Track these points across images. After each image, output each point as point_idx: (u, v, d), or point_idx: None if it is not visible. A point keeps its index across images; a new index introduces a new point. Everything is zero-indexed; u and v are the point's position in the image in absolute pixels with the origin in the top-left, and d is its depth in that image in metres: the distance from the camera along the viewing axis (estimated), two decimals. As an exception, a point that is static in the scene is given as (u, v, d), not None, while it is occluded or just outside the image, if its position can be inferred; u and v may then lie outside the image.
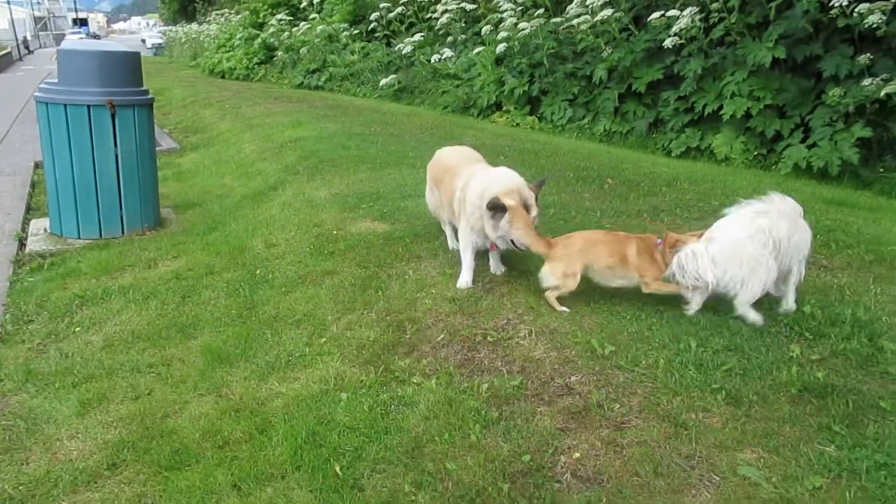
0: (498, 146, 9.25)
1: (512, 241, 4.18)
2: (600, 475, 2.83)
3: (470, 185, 4.43)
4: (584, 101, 12.06)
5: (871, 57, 8.40)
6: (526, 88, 12.75)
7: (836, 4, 8.41)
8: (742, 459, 2.77)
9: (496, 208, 4.10)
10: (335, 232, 5.89)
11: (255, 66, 22.76)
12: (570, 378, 3.46)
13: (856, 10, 8.30)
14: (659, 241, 4.03)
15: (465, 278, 4.56)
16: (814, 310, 3.94)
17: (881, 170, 8.26)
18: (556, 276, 4.08)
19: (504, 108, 13.05)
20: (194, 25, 37.68)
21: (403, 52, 16.47)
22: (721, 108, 9.63)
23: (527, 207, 4.16)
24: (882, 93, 7.94)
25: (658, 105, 10.81)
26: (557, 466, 2.93)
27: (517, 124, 12.48)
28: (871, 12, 8.19)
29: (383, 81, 16.21)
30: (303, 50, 20.15)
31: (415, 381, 3.70)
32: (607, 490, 2.74)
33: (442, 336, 4.07)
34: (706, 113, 9.90)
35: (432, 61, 15.38)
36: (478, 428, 3.21)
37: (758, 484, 2.63)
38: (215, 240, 6.47)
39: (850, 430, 2.92)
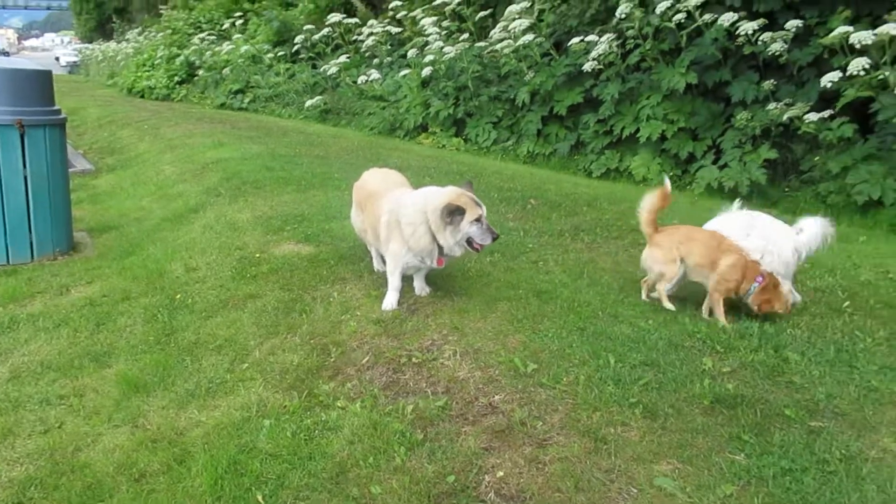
0: (424, 167, 9.32)
1: (469, 243, 4.27)
2: (523, 493, 2.86)
3: (403, 206, 4.44)
4: (508, 124, 12.30)
5: (775, 83, 8.92)
6: (451, 111, 12.91)
7: (742, 33, 8.89)
8: (658, 471, 2.86)
9: (455, 212, 4.18)
10: (258, 255, 5.79)
11: (176, 86, 22.23)
12: (493, 397, 3.50)
13: (760, 38, 8.79)
14: (760, 278, 4.20)
15: (391, 300, 4.57)
16: (725, 323, 4.11)
17: (786, 189, 8.72)
18: (658, 261, 4.46)
19: (430, 130, 13.17)
20: (112, 43, 36.57)
21: (329, 74, 16.44)
22: (638, 130, 9.99)
23: (479, 205, 4.29)
24: (785, 117, 8.41)
25: (579, 128, 11.12)
26: (482, 486, 2.94)
27: (443, 146, 12.61)
28: (774, 41, 8.69)
29: (309, 103, 16.12)
30: (226, 70, 19.84)
31: (339, 404, 3.66)
32: (530, 507, 2.78)
33: (367, 358, 4.05)
34: (624, 136, 10.25)
35: (358, 83, 15.41)
36: (403, 450, 3.20)
37: (673, 494, 2.71)
38: (132, 264, 6.26)
39: (759, 438, 3.05)
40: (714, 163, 9.25)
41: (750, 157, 8.78)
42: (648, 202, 4.50)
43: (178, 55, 22.78)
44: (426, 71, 13.36)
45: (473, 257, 5.16)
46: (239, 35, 21.10)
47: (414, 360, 3.92)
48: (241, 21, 21.99)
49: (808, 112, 8.22)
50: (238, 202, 7.48)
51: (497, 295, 4.66)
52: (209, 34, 22.53)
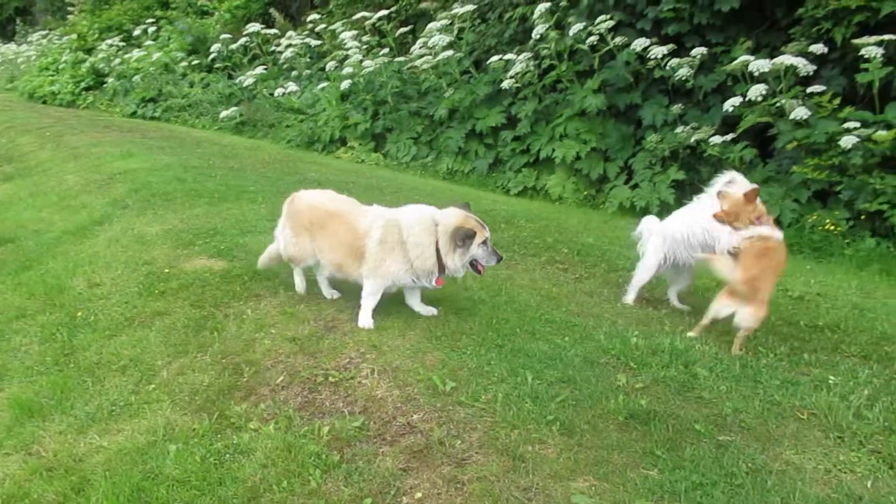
0: (342, 182, 9.20)
1: (473, 265, 4.34)
2: (442, 514, 2.83)
3: (408, 226, 4.34)
4: (427, 140, 12.33)
5: (683, 107, 9.31)
6: (370, 125, 12.84)
7: (652, 57, 9.24)
8: (575, 488, 2.88)
9: (467, 236, 4.23)
10: (167, 270, 5.56)
11: (83, 92, 21.20)
12: (412, 416, 3.46)
13: (669, 63, 9.16)
14: None
15: (368, 319, 4.42)
16: (638, 340, 4.22)
17: (693, 209, 9.07)
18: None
19: (349, 144, 13.05)
20: (12, 46, 34.65)
21: (245, 85, 16.08)
22: (554, 150, 10.20)
23: (484, 228, 4.35)
24: (692, 139, 8.78)
25: (498, 145, 11.27)
26: (399, 508, 2.89)
27: (362, 160, 12.51)
28: (681, 66, 9.08)
29: (224, 113, 15.68)
30: (136, 78, 19.07)
31: (252, 426, 3.54)
32: (448, 528, 2.74)
33: (281, 378, 3.93)
34: (541, 155, 10.44)
35: (276, 95, 15.13)
36: (318, 473, 3.11)
37: (590, 511, 2.74)
38: (29, 279, 5.89)
39: (671, 453, 3.13)
40: (626, 183, 9.54)
41: (659, 178, 9.10)
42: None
43: (85, 60, 21.78)
44: (345, 84, 13.27)
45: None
46: (151, 42, 20.36)
47: (331, 378, 3.84)
48: (153, 28, 21.24)
49: (712, 135, 8.61)
50: (147, 215, 7.18)
51: (415, 312, 4.62)
52: (118, 40, 21.63)
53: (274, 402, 3.72)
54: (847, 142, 7.41)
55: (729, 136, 8.52)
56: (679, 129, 9.02)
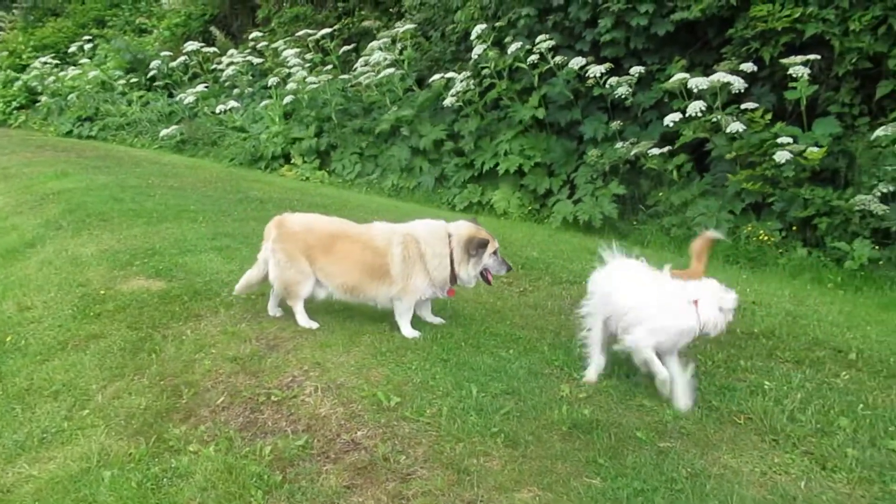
0: (286, 199, 9.12)
1: (483, 274, 4.48)
2: (386, 531, 2.79)
3: (425, 239, 4.42)
4: (372, 156, 12.32)
5: (622, 123, 9.54)
6: (315, 142, 12.77)
7: (592, 75, 9.45)
8: (520, 499, 2.89)
9: (481, 245, 4.37)
10: (103, 292, 5.39)
11: (14, 111, 20.54)
12: (356, 433, 3.42)
13: (608, 81, 9.39)
14: None
15: (410, 331, 4.50)
16: (580, 351, 4.26)
17: (635, 222, 9.28)
18: None
19: (293, 162, 12.94)
20: (-61, 64, 33.36)
21: (186, 103, 15.81)
22: (497, 165, 10.32)
23: (494, 239, 4.50)
24: (631, 154, 8.99)
25: (442, 162, 11.33)
26: (344, 526, 2.85)
27: (307, 178, 12.41)
28: (620, 84, 9.31)
29: (164, 132, 15.37)
30: (72, 96, 18.56)
31: (191, 449, 3.44)
32: (393, 545, 2.71)
33: (222, 398, 3.84)
34: (485, 170, 10.54)
35: (217, 113, 14.91)
36: (260, 494, 3.05)
37: (534, 522, 2.74)
38: (-45, 305, 5.64)
39: (613, 461, 3.16)
40: (569, 197, 9.69)
41: (601, 192, 9.28)
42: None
43: (17, 79, 21.11)
44: (288, 100, 13.19)
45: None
46: (87, 60, 19.85)
47: (273, 398, 3.77)
48: (89, 45, 20.72)
49: (651, 149, 8.84)
50: (82, 235, 6.96)
51: (360, 329, 4.59)
52: (53, 59, 21.03)
53: (214, 424, 3.64)
54: (780, 157, 7.70)
55: (667, 149, 8.76)
56: (619, 145, 9.23)
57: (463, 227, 4.48)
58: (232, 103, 14.73)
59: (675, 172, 8.76)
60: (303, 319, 4.60)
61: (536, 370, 4.02)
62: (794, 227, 7.91)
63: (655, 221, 9.01)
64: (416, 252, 4.40)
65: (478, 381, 3.81)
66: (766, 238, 7.90)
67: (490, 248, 4.41)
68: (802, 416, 3.62)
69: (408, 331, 4.48)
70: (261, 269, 4.68)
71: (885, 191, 7.32)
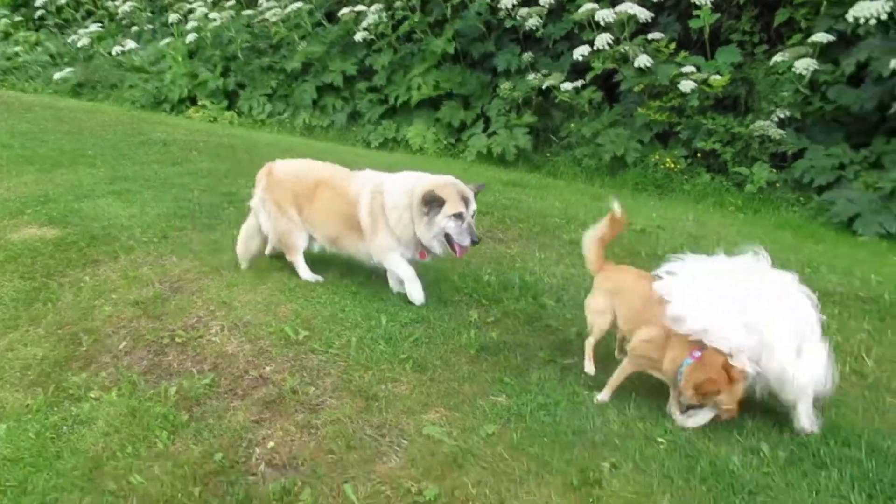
0: (191, 142, 8.76)
1: (447, 238, 3.77)
2: (295, 460, 2.80)
3: (389, 189, 3.90)
4: (282, 95, 11.93)
5: (533, 55, 9.51)
6: (221, 82, 12.25)
7: (503, 7, 9.36)
8: (427, 420, 2.94)
9: (433, 202, 3.70)
10: (-8, 242, 5.09)
11: None
12: (264, 368, 3.39)
13: (518, 13, 9.32)
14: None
15: (417, 292, 3.97)
16: (490, 277, 4.32)
17: (548, 154, 9.38)
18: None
19: (200, 103, 12.40)
20: None
21: (80, 44, 14.83)
22: (411, 99, 10.19)
23: (465, 201, 3.76)
24: (543, 85, 9.01)
25: (355, 98, 11.09)
26: (252, 459, 2.84)
27: (215, 119, 11.94)
28: (531, 16, 9.26)
29: (58, 75, 14.39)
30: (-49, 38, 17.16)
31: (92, 395, 3.33)
32: (302, 473, 2.73)
33: (125, 343, 3.73)
34: (399, 104, 10.40)
35: (114, 54, 14.05)
36: (165, 434, 2.99)
37: (440, 440, 2.80)
38: None
39: (519, 379, 3.25)
40: (484, 131, 9.69)
41: (515, 124, 9.31)
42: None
43: None
44: (191, 37, 12.56)
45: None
46: (-35, -2, 18.31)
47: (178, 339, 3.68)
48: (-33, -19, 19.08)
49: (563, 82, 8.88)
50: (-34, 185, 6.52)
51: (269, 266, 4.50)
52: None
53: (117, 369, 3.53)
54: (685, 86, 7.88)
55: (578, 83, 8.82)
56: (531, 76, 9.23)
57: (429, 180, 3.86)
58: (130, 43, 13.90)
59: (586, 104, 8.85)
60: (304, 272, 4.28)
61: (446, 298, 4.06)
62: (699, 154, 8.16)
63: (568, 153, 9.13)
64: (379, 204, 3.91)
65: (387, 312, 3.82)
66: (672, 165, 8.13)
67: (448, 209, 3.71)
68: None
69: (413, 292, 3.97)
70: (258, 220, 4.36)
71: (782, 116, 7.62)
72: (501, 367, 3.34)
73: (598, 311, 3.29)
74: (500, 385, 3.19)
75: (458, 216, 3.72)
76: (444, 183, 3.80)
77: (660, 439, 2.79)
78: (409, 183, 3.87)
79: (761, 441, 2.80)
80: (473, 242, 3.76)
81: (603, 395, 3.09)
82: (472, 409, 3.00)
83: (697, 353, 2.82)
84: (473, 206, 3.80)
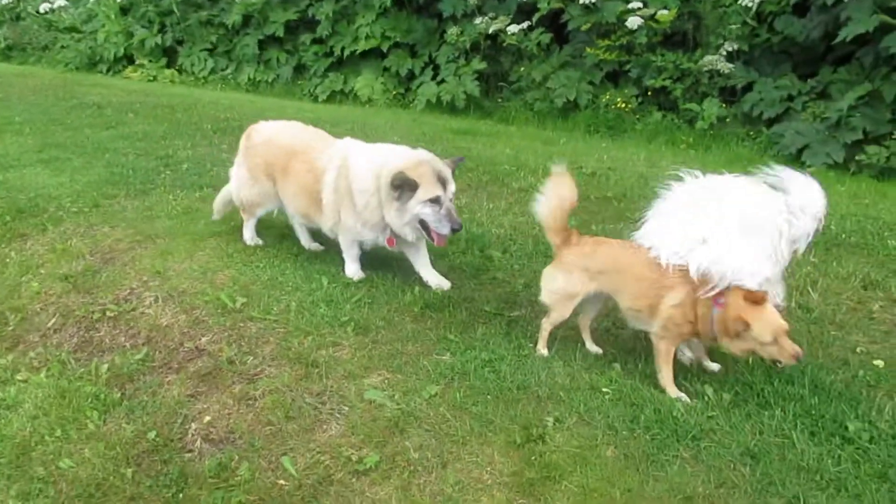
0: (127, 104, 8.40)
1: (423, 225, 3.37)
2: (232, 433, 2.70)
3: (356, 167, 3.47)
4: (224, 51, 11.49)
5: (480, -3, 9.24)
6: (159, 39, 11.74)
7: (445, -52, 9.04)
8: (369, 384, 2.84)
9: (404, 186, 3.28)
10: None
11: None
12: (200, 339, 3.25)
13: (462, -46, 9.02)
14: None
15: (352, 269, 3.71)
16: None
17: (499, 100, 9.20)
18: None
19: (138, 63, 11.90)
20: None
21: (4, 3, 14.06)
22: (357, 50, 9.87)
23: (443, 182, 3.34)
24: (491, 29, 8.77)
25: (299, 51, 10.72)
26: (187, 436, 2.73)
27: (154, 78, 11.49)
28: (474, -44, 8.96)
29: (-17, 38, 13.73)
30: None
31: (20, 378, 3.18)
32: (239, 447, 2.63)
33: (53, 321, 3.56)
34: (345, 56, 10.07)
35: (42, 11, 13.35)
36: (96, 415, 2.86)
37: (382, 404, 2.72)
38: None
39: (464, 336, 3.16)
40: (433, 79, 9.45)
41: (464, 71, 9.09)
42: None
43: None
44: (122, -6, 12.00)
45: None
46: None
47: (109, 313, 3.52)
48: None
49: (509, 24, 8.65)
50: None
51: (205, 231, 4.32)
52: None
53: (45, 348, 3.37)
54: (632, 22, 7.72)
55: (525, 24, 8.60)
56: (478, 20, 8.97)
57: (401, 158, 3.41)
58: (59, 1, 13.23)
59: (535, 47, 8.65)
60: (248, 235, 4.13)
61: (390, 255, 3.93)
62: (650, 93, 8.06)
63: (518, 98, 8.96)
64: (346, 183, 3.52)
65: (328, 273, 3.70)
66: (623, 105, 8.03)
67: (423, 194, 3.29)
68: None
69: (350, 268, 3.72)
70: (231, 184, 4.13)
71: (730, 49, 7.53)
72: (446, 324, 3.25)
73: (565, 295, 2.89)
74: (445, 343, 3.10)
75: (435, 200, 3.30)
76: (418, 161, 3.36)
77: (605, 389, 2.73)
78: (376, 161, 3.44)
79: (706, 384, 2.76)
80: (454, 230, 3.34)
81: (674, 394, 2.71)
82: (415, 370, 2.91)
83: (722, 301, 2.61)
84: (452, 186, 3.38)
